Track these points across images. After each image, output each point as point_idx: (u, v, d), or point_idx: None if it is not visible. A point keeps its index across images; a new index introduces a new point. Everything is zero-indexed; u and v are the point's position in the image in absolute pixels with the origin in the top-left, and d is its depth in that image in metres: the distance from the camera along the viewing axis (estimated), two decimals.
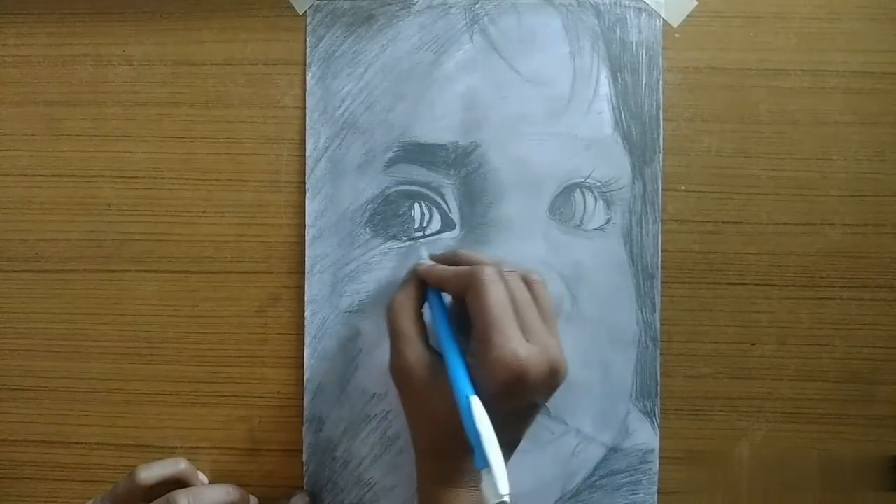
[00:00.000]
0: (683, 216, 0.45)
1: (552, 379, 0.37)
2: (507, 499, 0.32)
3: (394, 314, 0.40)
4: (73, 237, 0.46)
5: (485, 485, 0.33)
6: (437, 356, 0.38)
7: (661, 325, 0.45)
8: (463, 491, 0.37)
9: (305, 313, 0.45)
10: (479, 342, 0.36)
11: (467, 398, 0.35)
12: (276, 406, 0.46)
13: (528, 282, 0.39)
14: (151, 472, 0.41)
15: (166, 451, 0.46)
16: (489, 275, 0.37)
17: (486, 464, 0.33)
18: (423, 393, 0.38)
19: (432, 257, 0.43)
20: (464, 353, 0.37)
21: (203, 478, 0.44)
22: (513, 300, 0.37)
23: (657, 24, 0.45)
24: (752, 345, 0.45)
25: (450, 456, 0.37)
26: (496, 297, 0.36)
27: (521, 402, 0.37)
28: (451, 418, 0.36)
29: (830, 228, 0.45)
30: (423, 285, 0.41)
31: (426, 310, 0.41)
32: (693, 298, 0.45)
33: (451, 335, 0.38)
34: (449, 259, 0.42)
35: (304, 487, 0.45)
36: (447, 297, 0.41)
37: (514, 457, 0.39)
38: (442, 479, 0.37)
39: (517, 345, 0.35)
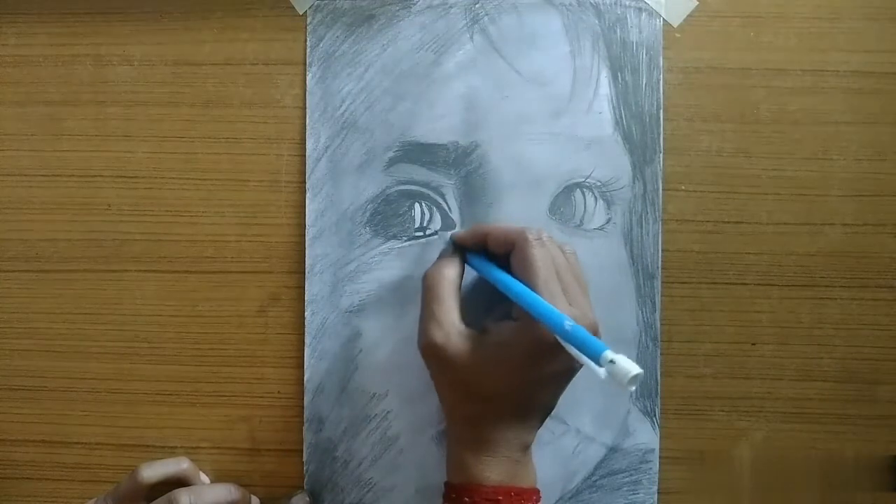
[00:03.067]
0: (683, 216, 0.45)
1: None
2: (640, 370, 0.31)
3: (433, 282, 0.39)
4: (74, 237, 0.46)
5: (615, 367, 0.32)
6: (471, 330, 0.38)
7: (662, 324, 0.45)
8: (496, 458, 0.37)
9: (305, 313, 0.45)
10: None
11: (559, 314, 0.35)
12: (276, 406, 0.46)
13: (565, 252, 0.40)
14: (154, 471, 0.42)
15: (167, 451, 0.46)
16: (536, 235, 0.38)
17: (603, 348, 0.32)
18: (463, 364, 0.37)
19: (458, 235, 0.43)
20: (506, 315, 0.38)
21: (205, 477, 0.44)
22: (555, 265, 0.38)
23: (657, 24, 0.45)
24: (752, 345, 0.45)
25: (487, 424, 0.38)
26: (544, 258, 0.37)
27: (562, 364, 0.37)
28: (490, 388, 0.37)
29: (830, 228, 0.45)
30: (460, 259, 0.41)
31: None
32: (693, 298, 0.45)
33: (510, 276, 0.38)
34: (476, 230, 0.42)
35: (304, 487, 0.45)
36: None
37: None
38: (477, 447, 0.38)
39: (563, 306, 0.36)
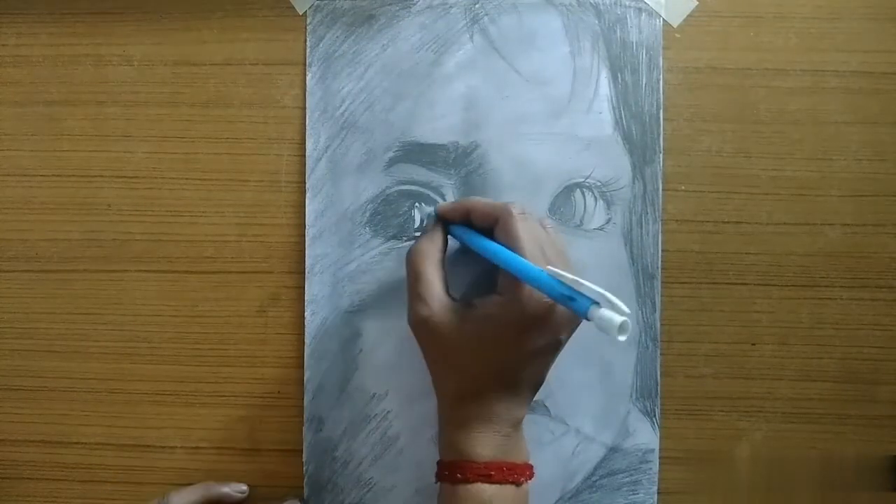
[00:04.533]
0: (683, 216, 0.45)
1: (574, 317, 0.37)
2: (628, 319, 0.31)
3: (416, 258, 0.40)
4: (74, 237, 0.46)
5: (602, 315, 0.32)
6: (457, 303, 0.38)
7: (662, 325, 0.45)
8: (487, 434, 0.38)
9: (305, 313, 0.45)
10: (510, 276, 0.36)
11: (541, 270, 0.35)
12: (276, 406, 0.46)
13: (543, 226, 0.40)
14: (182, 499, 0.43)
15: (166, 451, 0.46)
16: (520, 208, 0.38)
17: (589, 302, 0.33)
18: (447, 337, 0.38)
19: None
20: (491, 289, 0.38)
21: (238, 486, 0.45)
22: (538, 239, 0.38)
23: (657, 24, 0.45)
24: (752, 345, 0.45)
25: (477, 399, 0.38)
26: (527, 231, 0.37)
27: (548, 337, 0.37)
28: (477, 361, 0.37)
29: (830, 228, 0.45)
30: (443, 231, 0.41)
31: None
32: (693, 298, 0.45)
33: (492, 242, 0.38)
34: (464, 205, 0.42)
35: (304, 488, 0.45)
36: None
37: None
38: (468, 423, 0.38)
39: None
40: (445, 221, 0.42)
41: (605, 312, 0.32)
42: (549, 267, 0.35)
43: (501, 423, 0.38)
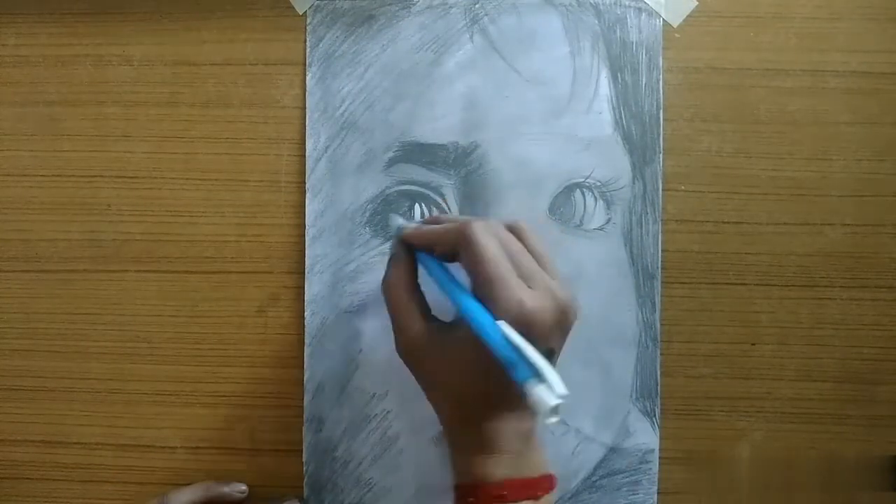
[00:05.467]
0: (683, 216, 0.45)
1: (563, 320, 0.36)
2: (561, 401, 0.31)
3: (389, 292, 0.39)
4: (73, 237, 0.46)
5: (534, 395, 0.31)
6: (441, 325, 0.38)
7: (661, 325, 0.45)
8: (496, 455, 0.36)
9: (305, 313, 0.45)
10: (483, 297, 0.35)
11: (493, 323, 0.33)
12: (276, 406, 0.46)
13: (515, 230, 0.38)
14: (181, 498, 0.43)
15: (166, 451, 0.46)
16: (479, 227, 0.36)
17: (529, 373, 0.32)
18: (435, 364, 0.37)
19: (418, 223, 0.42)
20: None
21: (238, 485, 0.45)
22: (505, 249, 0.36)
23: (657, 24, 0.45)
24: (752, 345, 0.45)
25: (477, 422, 0.36)
26: (489, 249, 0.35)
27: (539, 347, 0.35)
28: (468, 384, 0.35)
29: (830, 228, 0.45)
30: (411, 254, 0.39)
31: (422, 276, 0.40)
32: (693, 298, 0.45)
33: (452, 280, 0.37)
34: (430, 223, 0.40)
35: (304, 488, 0.45)
36: None
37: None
38: (473, 448, 0.36)
39: (521, 293, 0.34)
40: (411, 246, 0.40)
41: (541, 392, 0.31)
42: (501, 322, 0.33)
43: (507, 440, 0.36)
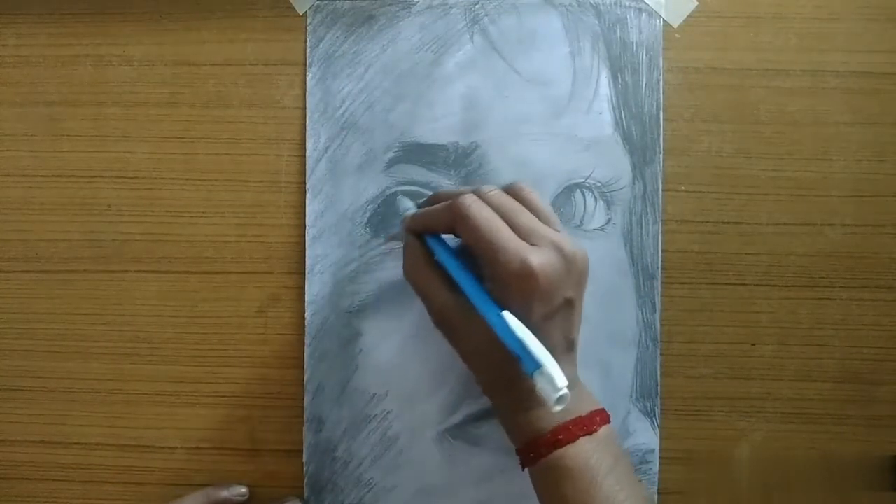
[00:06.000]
0: (683, 216, 0.45)
1: (573, 269, 0.37)
2: (565, 391, 0.33)
3: (410, 277, 0.40)
4: (74, 237, 0.46)
5: (540, 385, 0.33)
6: (464, 296, 0.38)
7: (661, 325, 0.45)
8: (541, 407, 0.37)
9: (305, 313, 0.45)
10: (488, 265, 0.36)
11: (498, 315, 0.35)
12: (276, 406, 0.46)
13: (512, 191, 0.39)
14: None
15: (166, 452, 0.46)
16: (467, 201, 0.37)
17: (535, 365, 0.33)
18: (465, 333, 0.38)
19: (419, 204, 0.44)
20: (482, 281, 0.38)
21: (239, 488, 0.45)
22: (502, 213, 0.37)
23: (657, 24, 0.45)
24: (752, 345, 0.45)
25: (515, 380, 0.37)
26: (482, 217, 0.36)
27: (551, 303, 0.36)
28: (499, 348, 0.35)
29: (830, 228, 0.45)
30: (421, 238, 0.40)
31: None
32: (693, 298, 0.45)
33: (460, 267, 0.38)
34: (432, 202, 0.41)
35: (304, 488, 0.45)
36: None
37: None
38: (517, 403, 0.38)
39: (522, 250, 0.35)
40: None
41: (545, 384, 0.33)
42: (506, 313, 0.35)
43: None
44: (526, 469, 0.38)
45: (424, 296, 0.39)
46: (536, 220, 0.37)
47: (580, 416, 0.37)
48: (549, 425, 0.37)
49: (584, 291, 0.38)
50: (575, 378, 0.39)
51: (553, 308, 0.36)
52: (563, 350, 0.38)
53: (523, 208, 0.38)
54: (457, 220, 0.37)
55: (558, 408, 0.33)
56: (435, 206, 0.39)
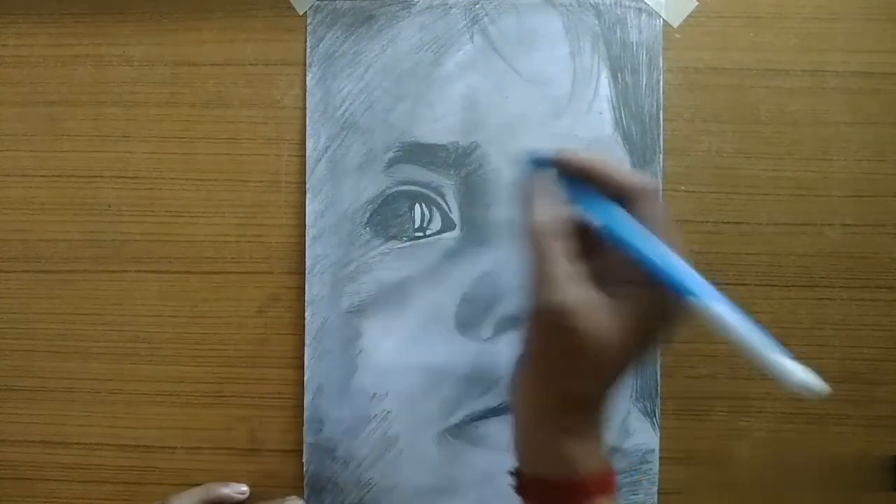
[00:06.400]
0: (683, 216, 0.45)
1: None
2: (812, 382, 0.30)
3: (538, 236, 0.32)
4: (74, 237, 0.46)
5: (784, 369, 0.30)
6: (600, 295, 0.32)
7: None
8: (595, 444, 0.33)
9: (305, 313, 0.45)
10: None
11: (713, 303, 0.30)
12: (276, 406, 0.46)
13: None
14: (182, 502, 0.43)
15: (166, 452, 0.46)
16: (656, 186, 0.32)
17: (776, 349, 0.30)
18: (587, 332, 0.31)
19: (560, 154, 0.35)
20: (627, 266, 0.31)
21: (238, 486, 0.45)
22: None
23: (657, 24, 0.45)
24: None
25: (590, 404, 0.33)
26: (671, 224, 0.32)
27: (675, 329, 0.33)
28: (610, 363, 0.31)
29: (830, 228, 0.45)
30: (561, 194, 0.33)
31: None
32: None
33: (639, 231, 0.31)
34: (587, 166, 0.33)
35: (304, 488, 0.45)
36: None
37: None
38: (577, 431, 0.32)
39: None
40: (561, 177, 0.33)
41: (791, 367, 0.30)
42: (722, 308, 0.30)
43: (600, 426, 0.33)
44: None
45: (549, 265, 0.31)
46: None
47: (609, 469, 0.33)
48: (593, 466, 0.32)
49: None
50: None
51: (673, 333, 0.33)
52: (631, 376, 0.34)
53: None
54: (649, 201, 0.31)
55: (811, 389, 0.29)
56: (610, 165, 0.33)
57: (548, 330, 0.32)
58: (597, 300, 0.31)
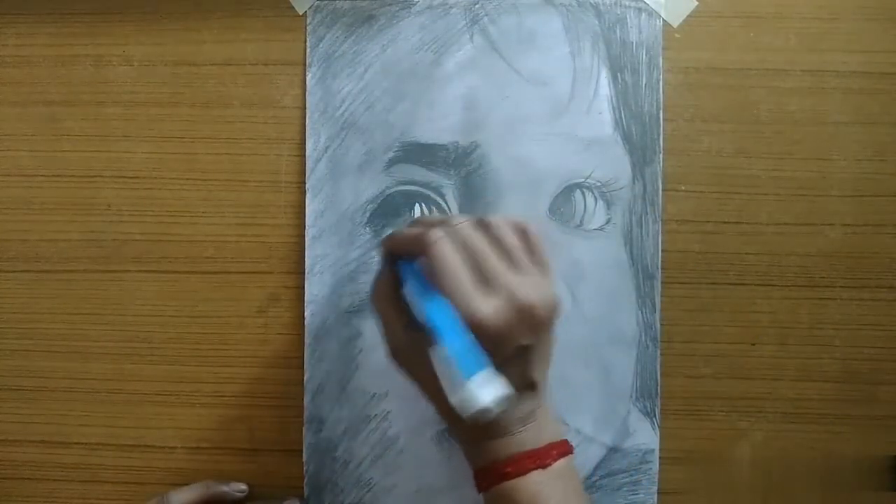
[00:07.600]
0: (683, 216, 0.45)
1: (526, 317, 0.35)
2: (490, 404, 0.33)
3: (374, 303, 0.39)
4: (74, 237, 0.46)
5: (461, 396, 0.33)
6: (420, 333, 0.36)
7: (661, 325, 0.45)
8: (497, 440, 0.37)
9: (305, 313, 0.45)
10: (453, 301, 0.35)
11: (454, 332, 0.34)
12: (276, 406, 0.46)
13: (483, 226, 0.37)
14: (182, 497, 0.43)
15: (166, 451, 0.46)
16: (433, 237, 0.36)
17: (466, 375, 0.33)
18: (420, 372, 0.37)
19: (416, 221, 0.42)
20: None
21: (237, 485, 0.45)
22: (468, 253, 0.36)
23: (657, 24, 0.45)
24: (752, 345, 0.45)
25: (456, 418, 0.36)
26: (445, 258, 0.35)
27: (502, 351, 0.35)
28: (438, 396, 0.35)
29: (830, 228, 0.45)
30: (389, 268, 0.39)
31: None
32: (693, 298, 0.45)
33: (424, 293, 0.36)
34: (391, 242, 0.40)
35: (304, 488, 0.45)
36: None
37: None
38: (476, 436, 0.37)
39: (474, 303, 0.34)
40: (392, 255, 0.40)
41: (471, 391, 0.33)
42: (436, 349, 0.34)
43: (504, 426, 0.37)
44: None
45: (385, 327, 0.38)
46: (500, 262, 0.36)
47: (535, 449, 0.37)
48: (503, 456, 0.37)
49: (549, 334, 0.37)
50: (537, 412, 0.38)
51: (505, 356, 0.36)
52: (523, 389, 0.37)
53: (491, 249, 0.36)
54: (426, 253, 0.36)
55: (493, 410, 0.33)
56: (407, 232, 0.38)
57: (400, 370, 0.39)
58: (418, 340, 0.36)
